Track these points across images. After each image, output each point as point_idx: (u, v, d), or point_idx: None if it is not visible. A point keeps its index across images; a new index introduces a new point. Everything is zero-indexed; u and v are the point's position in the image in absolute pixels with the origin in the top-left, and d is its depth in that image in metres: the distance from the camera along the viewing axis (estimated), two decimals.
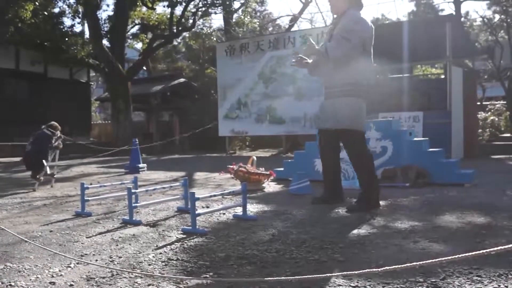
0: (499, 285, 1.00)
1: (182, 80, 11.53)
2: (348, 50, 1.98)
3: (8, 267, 1.24)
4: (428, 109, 5.04)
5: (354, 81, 2.03)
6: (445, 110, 4.76)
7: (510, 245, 0.75)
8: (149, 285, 1.06)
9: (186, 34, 13.51)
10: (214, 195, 1.97)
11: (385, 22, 15.30)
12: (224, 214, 1.98)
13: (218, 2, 10.03)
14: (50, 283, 1.09)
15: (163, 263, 1.24)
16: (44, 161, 3.17)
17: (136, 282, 1.08)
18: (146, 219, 1.91)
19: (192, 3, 9.92)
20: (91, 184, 2.14)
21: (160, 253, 1.35)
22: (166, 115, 12.51)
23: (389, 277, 1.07)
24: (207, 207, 2.18)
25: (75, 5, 9.85)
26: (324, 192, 2.21)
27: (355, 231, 1.58)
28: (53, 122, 3.46)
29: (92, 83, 14.81)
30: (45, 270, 1.20)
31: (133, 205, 2.26)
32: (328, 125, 2.09)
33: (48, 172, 3.22)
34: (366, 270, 0.92)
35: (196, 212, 1.65)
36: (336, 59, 1.98)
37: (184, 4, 9.70)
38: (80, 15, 10.07)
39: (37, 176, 3.18)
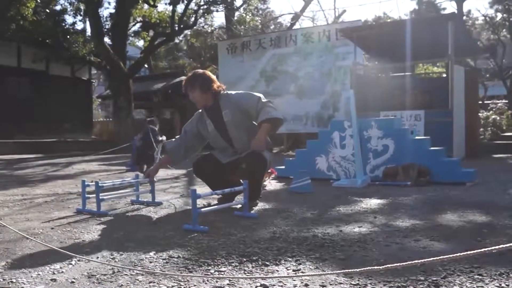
0: (500, 284, 1.00)
1: (183, 78, 11.48)
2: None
3: (10, 263, 1.24)
4: (430, 107, 5.03)
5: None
6: (446, 109, 4.74)
7: (511, 244, 0.74)
8: (150, 282, 1.06)
9: (187, 32, 13.51)
10: (216, 193, 1.98)
11: (387, 20, 15.22)
12: (225, 212, 1.98)
13: (219, 0, 10.00)
14: (51, 280, 1.09)
15: (164, 261, 1.25)
16: (154, 154, 3.48)
17: (137, 280, 1.08)
18: (147, 217, 1.91)
19: (194, 1, 9.91)
20: (92, 181, 2.14)
21: (161, 251, 1.35)
22: (167, 113, 12.54)
23: (390, 275, 1.06)
24: (209, 204, 2.18)
25: (76, 3, 9.84)
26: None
27: (356, 230, 1.58)
28: (153, 118, 3.78)
29: (94, 81, 14.83)
30: (46, 267, 1.20)
31: (134, 202, 2.27)
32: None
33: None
34: (367, 268, 0.92)
35: (197, 209, 1.65)
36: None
37: (185, 2, 9.68)
38: (81, 13, 10.07)
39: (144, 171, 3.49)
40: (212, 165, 2.15)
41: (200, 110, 2.20)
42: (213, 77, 2.12)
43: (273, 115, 2.01)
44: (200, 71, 2.17)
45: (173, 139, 2.25)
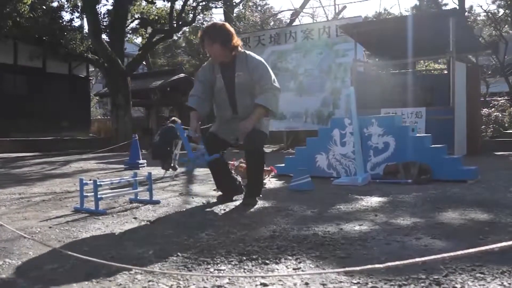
0: (502, 282, 0.99)
1: (182, 75, 11.47)
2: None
3: (7, 263, 1.23)
4: (431, 105, 5.01)
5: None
6: (448, 106, 4.73)
7: None
8: (149, 281, 1.05)
9: (186, 28, 13.43)
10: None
11: (387, 16, 15.15)
12: (224, 210, 1.97)
13: None
14: (49, 279, 1.08)
15: (163, 259, 1.23)
16: (171, 153, 3.54)
17: (136, 278, 1.07)
18: (146, 215, 1.90)
19: None
20: (90, 180, 2.13)
21: (160, 249, 1.34)
22: (166, 110, 12.51)
23: (391, 273, 1.05)
24: (208, 203, 2.17)
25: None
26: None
27: (356, 228, 1.57)
28: (175, 118, 3.86)
29: (91, 78, 14.75)
30: (44, 266, 1.19)
31: (132, 201, 2.26)
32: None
33: (172, 165, 3.60)
34: (368, 267, 0.91)
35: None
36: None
37: None
38: (79, 9, 9.99)
39: (172, 165, 3.54)
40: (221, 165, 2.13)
41: (210, 60, 2.11)
42: (233, 30, 1.99)
43: (269, 106, 1.97)
44: (220, 23, 2.06)
45: (193, 96, 2.11)
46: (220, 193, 2.24)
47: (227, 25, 2.03)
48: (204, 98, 2.10)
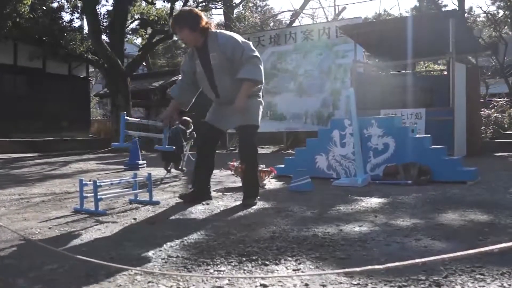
0: (502, 284, 0.99)
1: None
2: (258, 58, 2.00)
3: (6, 264, 1.23)
4: (431, 106, 5.01)
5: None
6: (447, 107, 4.73)
7: None
8: (149, 282, 1.05)
9: None
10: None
11: (387, 17, 15.18)
12: (224, 211, 1.97)
13: None
14: (49, 280, 1.08)
15: (163, 260, 1.23)
16: (181, 155, 3.65)
17: (136, 279, 1.07)
18: (145, 216, 1.90)
19: None
20: (90, 180, 2.13)
21: (160, 250, 1.34)
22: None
23: (391, 274, 1.05)
24: (207, 204, 2.17)
25: (74, 0, 9.77)
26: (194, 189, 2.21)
27: (356, 229, 1.57)
28: (185, 118, 3.96)
29: (91, 79, 14.74)
30: (44, 267, 1.19)
31: (132, 202, 2.26)
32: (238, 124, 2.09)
33: (180, 167, 3.72)
34: (367, 268, 0.91)
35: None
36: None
37: None
38: (79, 10, 10.00)
39: (180, 167, 3.65)
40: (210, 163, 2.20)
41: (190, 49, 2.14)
42: (201, 13, 2.01)
43: (253, 76, 1.93)
44: (187, 8, 2.12)
45: (175, 85, 2.18)
46: (189, 191, 2.23)
47: (195, 9, 2.06)
48: (185, 87, 2.14)
